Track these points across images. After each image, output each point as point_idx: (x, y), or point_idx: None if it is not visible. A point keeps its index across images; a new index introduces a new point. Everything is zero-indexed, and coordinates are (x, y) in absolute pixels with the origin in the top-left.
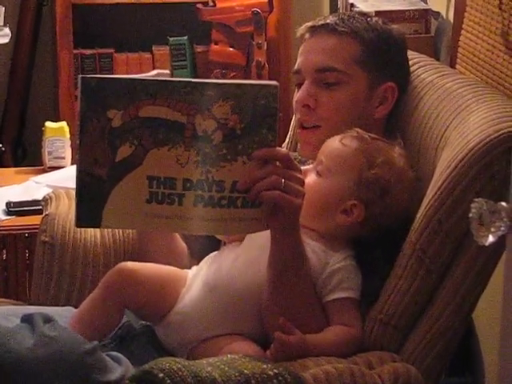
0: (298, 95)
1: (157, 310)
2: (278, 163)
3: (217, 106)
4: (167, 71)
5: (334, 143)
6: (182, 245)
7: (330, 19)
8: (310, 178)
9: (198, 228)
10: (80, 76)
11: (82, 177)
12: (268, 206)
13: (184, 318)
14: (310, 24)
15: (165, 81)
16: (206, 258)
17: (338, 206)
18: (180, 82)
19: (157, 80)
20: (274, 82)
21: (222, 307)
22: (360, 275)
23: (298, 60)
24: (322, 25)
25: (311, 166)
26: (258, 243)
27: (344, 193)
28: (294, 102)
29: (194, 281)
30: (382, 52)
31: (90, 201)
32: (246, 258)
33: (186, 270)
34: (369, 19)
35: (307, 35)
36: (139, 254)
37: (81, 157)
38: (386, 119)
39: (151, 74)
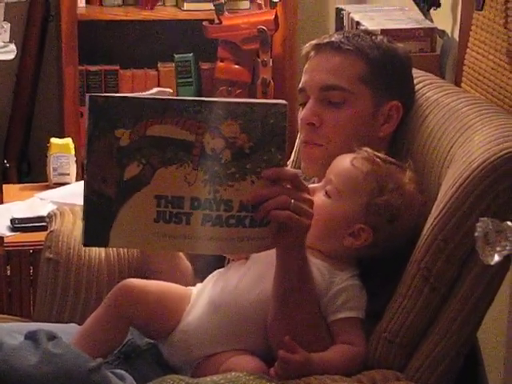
0: (302, 113)
1: (161, 328)
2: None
3: (225, 125)
4: (169, 89)
5: (345, 163)
6: (186, 263)
7: (335, 37)
8: (319, 198)
9: (206, 248)
10: (88, 95)
11: (90, 195)
12: (275, 225)
13: (188, 336)
14: (314, 42)
15: (173, 100)
16: (210, 276)
17: (346, 228)
18: (188, 100)
19: (165, 99)
20: (282, 101)
21: (227, 325)
22: (365, 294)
23: (303, 78)
24: (327, 43)
25: (319, 184)
26: (264, 261)
27: (353, 216)
28: (298, 120)
29: (199, 298)
30: (387, 70)
31: (98, 220)
32: (251, 276)
33: (190, 288)
34: (374, 37)
35: (312, 53)
36: (143, 272)
37: (88, 175)
38: (390, 137)
39: (151, 92)
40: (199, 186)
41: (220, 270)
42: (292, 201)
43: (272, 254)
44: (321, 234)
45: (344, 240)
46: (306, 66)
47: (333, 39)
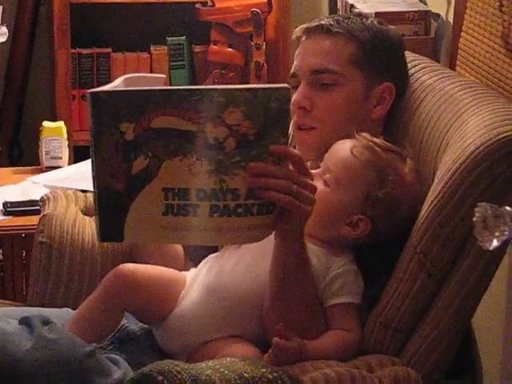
0: (293, 97)
1: (156, 313)
2: (291, 167)
3: (228, 113)
4: (139, 74)
5: (344, 151)
6: (177, 247)
7: (325, 20)
8: (317, 187)
9: (216, 239)
10: (89, 91)
11: (101, 192)
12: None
13: (183, 322)
14: (304, 26)
15: (173, 89)
16: (205, 260)
17: (344, 219)
18: (188, 89)
19: (164, 89)
20: (284, 85)
21: (223, 311)
22: (361, 279)
23: (294, 63)
24: (317, 26)
25: (317, 171)
26: (259, 246)
27: (351, 207)
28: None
29: (194, 284)
30: (378, 52)
31: (111, 215)
32: (246, 261)
33: (184, 273)
34: (364, 20)
35: (303, 37)
36: (132, 255)
37: (97, 172)
38: (384, 120)
39: (120, 80)
40: (204, 177)
41: (214, 254)
42: (295, 186)
43: (267, 238)
44: (318, 222)
45: (342, 229)
46: (297, 50)
47: (322, 22)
